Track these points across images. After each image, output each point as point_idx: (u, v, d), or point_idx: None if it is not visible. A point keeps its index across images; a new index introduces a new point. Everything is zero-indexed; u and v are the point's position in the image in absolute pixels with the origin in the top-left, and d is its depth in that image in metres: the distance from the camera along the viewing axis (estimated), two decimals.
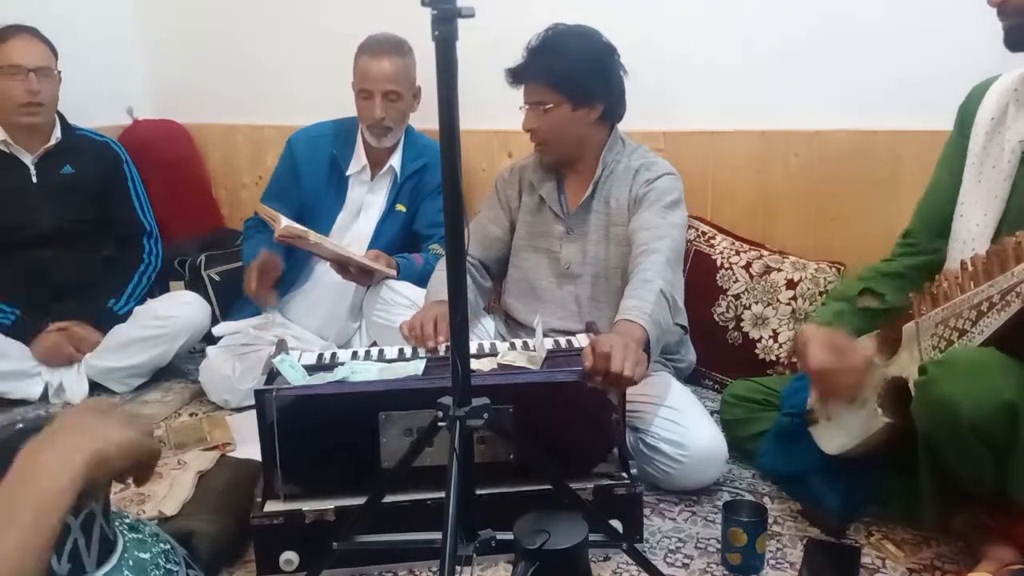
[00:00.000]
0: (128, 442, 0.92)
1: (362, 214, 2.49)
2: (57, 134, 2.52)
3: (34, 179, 2.49)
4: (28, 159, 2.49)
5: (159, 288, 2.81)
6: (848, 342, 1.62)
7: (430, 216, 2.47)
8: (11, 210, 2.46)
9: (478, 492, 1.35)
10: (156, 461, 0.99)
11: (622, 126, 2.53)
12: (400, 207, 2.47)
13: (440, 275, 2.08)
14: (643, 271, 1.81)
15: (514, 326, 2.17)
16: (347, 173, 2.47)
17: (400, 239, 2.47)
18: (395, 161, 2.45)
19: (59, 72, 2.48)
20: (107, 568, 1.08)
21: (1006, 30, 1.47)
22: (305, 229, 2.12)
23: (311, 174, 2.47)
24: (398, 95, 2.35)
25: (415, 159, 2.46)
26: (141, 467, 0.97)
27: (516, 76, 1.96)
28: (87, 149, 2.59)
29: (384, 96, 2.33)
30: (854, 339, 1.67)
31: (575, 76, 1.91)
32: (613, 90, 1.99)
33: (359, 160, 2.46)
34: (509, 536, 1.23)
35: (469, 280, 2.07)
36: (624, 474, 1.62)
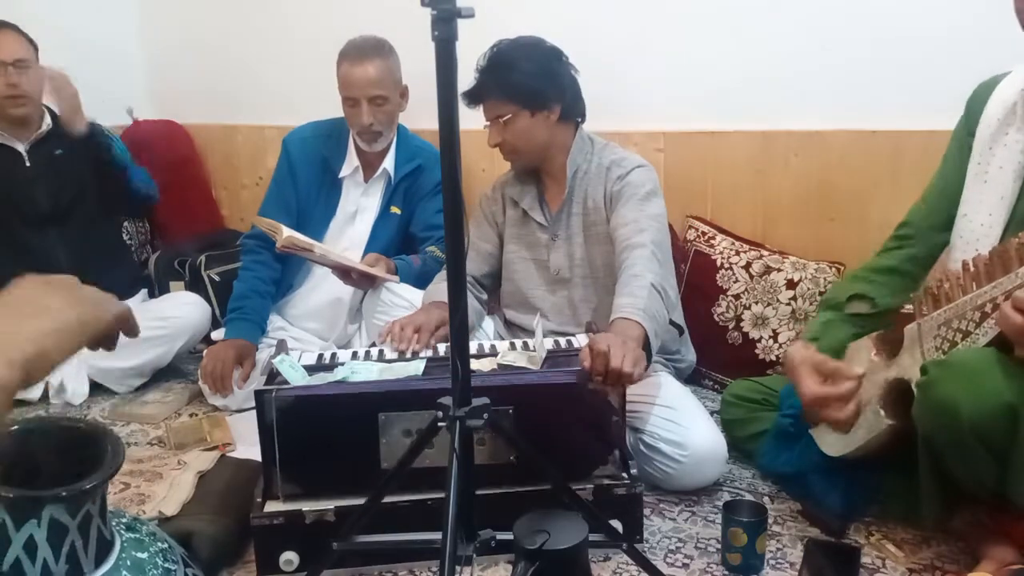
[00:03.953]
0: (70, 328, 0.81)
1: (358, 217, 2.47)
2: (48, 121, 2.55)
3: (27, 163, 2.51)
4: (21, 147, 2.51)
5: (159, 289, 2.82)
6: (835, 366, 1.59)
7: (426, 218, 2.45)
8: (8, 194, 2.48)
9: (478, 493, 1.34)
10: (113, 331, 0.91)
11: (621, 126, 2.54)
12: (395, 209, 2.45)
13: (437, 283, 2.09)
14: (630, 267, 1.81)
15: (515, 328, 2.18)
16: (340, 175, 2.45)
17: (396, 241, 2.46)
18: (388, 164, 2.43)
19: (40, 65, 2.48)
20: (105, 568, 1.08)
21: None
22: (309, 241, 2.11)
23: (305, 175, 2.45)
24: (384, 99, 2.30)
25: (408, 161, 2.44)
26: (99, 340, 0.89)
27: (472, 97, 2.00)
28: (75, 134, 2.59)
29: (370, 101, 2.28)
30: (841, 353, 1.66)
31: (525, 83, 1.95)
32: (566, 90, 2.01)
33: (351, 162, 2.44)
34: (509, 536, 1.23)
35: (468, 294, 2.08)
36: (624, 474, 1.62)
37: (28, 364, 0.74)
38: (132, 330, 0.90)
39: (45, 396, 2.47)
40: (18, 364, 0.73)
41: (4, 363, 0.73)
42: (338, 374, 1.63)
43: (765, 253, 2.40)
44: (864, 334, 1.68)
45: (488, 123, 2.02)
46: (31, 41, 2.47)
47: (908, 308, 1.64)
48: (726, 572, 1.57)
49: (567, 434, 1.58)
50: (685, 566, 1.59)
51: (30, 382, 0.75)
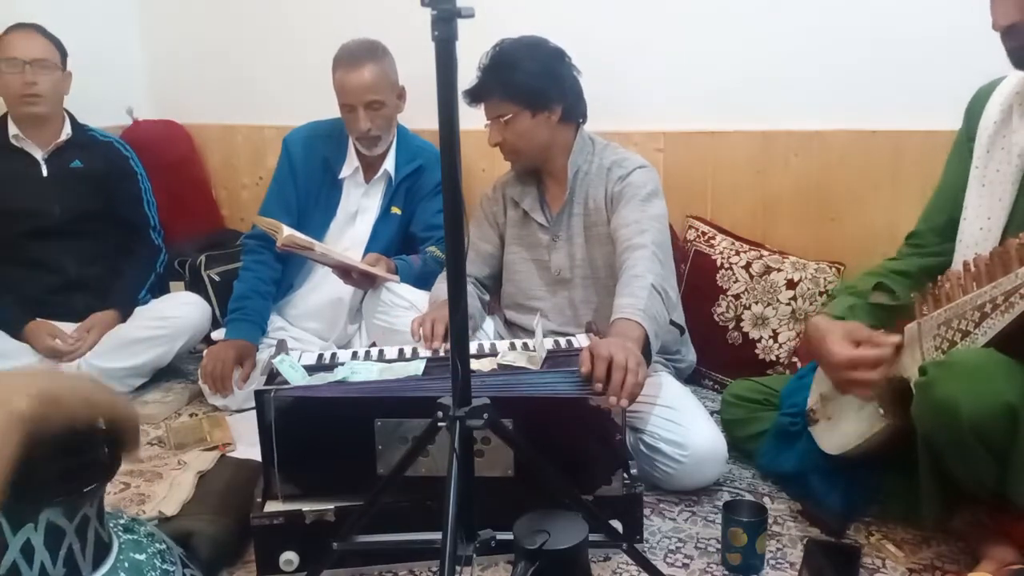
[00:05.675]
0: (84, 390, 0.88)
1: (358, 218, 2.47)
2: (68, 130, 2.54)
3: (44, 172, 2.51)
4: (39, 154, 2.51)
5: (159, 289, 2.82)
6: (869, 333, 1.57)
7: (426, 219, 2.45)
8: (21, 201, 2.48)
9: None
10: (134, 423, 0.94)
11: (621, 126, 2.54)
12: (395, 210, 2.45)
13: (441, 283, 2.09)
14: (631, 267, 1.81)
15: (515, 328, 2.18)
16: (340, 176, 2.45)
17: (397, 242, 2.46)
18: (389, 164, 2.43)
19: (64, 67, 2.49)
20: (103, 571, 1.07)
21: (1010, 51, 1.45)
22: (310, 240, 2.11)
23: (306, 175, 2.45)
24: (381, 103, 2.29)
25: (409, 161, 2.44)
26: (118, 428, 0.93)
27: (474, 96, 2.00)
28: (95, 146, 2.61)
29: (367, 107, 2.27)
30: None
31: (527, 83, 1.95)
32: (567, 91, 2.01)
33: (351, 163, 2.44)
34: (509, 536, 1.23)
35: (469, 293, 2.08)
36: (624, 474, 1.61)
37: (44, 400, 0.82)
38: (133, 443, 0.98)
39: None
40: (35, 398, 0.81)
41: (24, 397, 0.80)
42: (338, 374, 1.63)
43: (765, 253, 2.40)
44: (881, 327, 1.66)
45: (489, 122, 2.02)
46: (57, 44, 2.47)
47: None
48: (726, 572, 1.57)
49: (569, 450, 1.54)
50: (685, 566, 1.59)
51: (46, 422, 0.82)
